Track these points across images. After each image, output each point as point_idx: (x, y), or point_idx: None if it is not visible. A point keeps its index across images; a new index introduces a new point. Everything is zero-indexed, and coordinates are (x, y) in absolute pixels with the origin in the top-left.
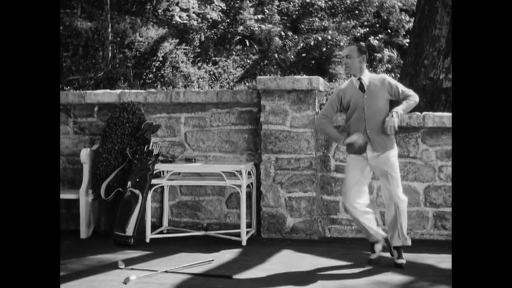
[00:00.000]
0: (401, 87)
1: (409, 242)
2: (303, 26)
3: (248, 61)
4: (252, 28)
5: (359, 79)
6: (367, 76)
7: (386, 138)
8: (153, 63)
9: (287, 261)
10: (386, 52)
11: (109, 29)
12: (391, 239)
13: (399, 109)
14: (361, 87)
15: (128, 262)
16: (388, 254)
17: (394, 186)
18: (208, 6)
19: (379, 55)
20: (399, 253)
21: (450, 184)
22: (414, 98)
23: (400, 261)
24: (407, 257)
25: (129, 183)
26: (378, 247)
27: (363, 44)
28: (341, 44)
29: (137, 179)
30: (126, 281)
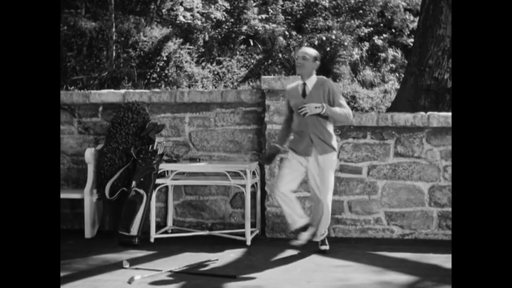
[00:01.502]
0: (340, 101)
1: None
2: (307, 25)
3: (252, 60)
4: (256, 27)
5: (304, 83)
6: (313, 81)
7: (326, 141)
8: (157, 62)
9: (291, 260)
10: (390, 51)
11: (113, 29)
12: (316, 237)
13: (329, 106)
14: (303, 92)
15: (133, 262)
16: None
17: (323, 190)
18: (212, 6)
19: (383, 54)
20: (323, 241)
21: None
22: (347, 113)
23: (324, 247)
24: (411, 257)
25: (134, 182)
26: (304, 235)
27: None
28: (345, 43)
29: (142, 179)
30: (130, 281)
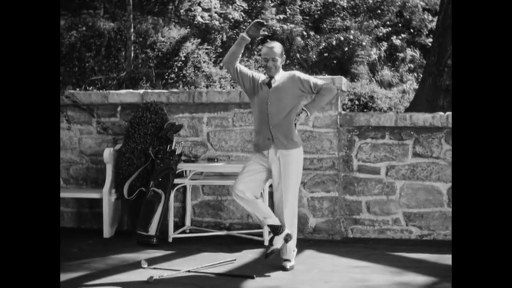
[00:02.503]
0: (313, 80)
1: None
2: (325, 25)
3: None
4: (274, 28)
5: (271, 77)
6: (280, 74)
7: (288, 137)
8: (175, 63)
9: (309, 261)
10: (409, 51)
11: (132, 29)
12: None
13: (309, 106)
14: (269, 82)
15: (151, 262)
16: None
17: (285, 190)
18: (230, 6)
19: (401, 54)
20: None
21: None
22: (327, 89)
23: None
24: (430, 258)
25: (152, 182)
26: (278, 239)
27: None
28: (363, 43)
29: (160, 179)
30: (149, 280)
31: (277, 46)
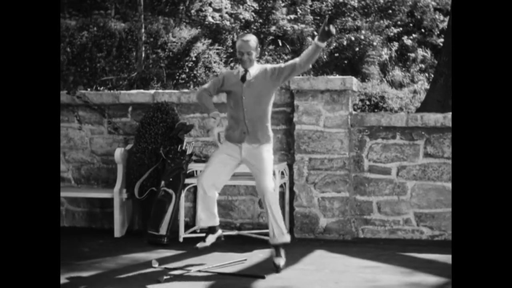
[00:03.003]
0: (283, 64)
1: (286, 239)
2: (336, 26)
3: (281, 61)
4: (284, 28)
5: (246, 70)
6: (254, 68)
7: (263, 131)
8: (186, 63)
9: (320, 261)
10: (420, 51)
11: (143, 30)
12: (271, 239)
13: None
14: (243, 76)
15: (162, 261)
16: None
17: (263, 177)
18: (241, 6)
19: (412, 55)
20: (278, 251)
21: None
22: (296, 60)
23: (278, 260)
24: (441, 259)
25: (163, 182)
26: (210, 238)
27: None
28: (374, 44)
29: (171, 179)
30: (160, 280)
31: (252, 40)
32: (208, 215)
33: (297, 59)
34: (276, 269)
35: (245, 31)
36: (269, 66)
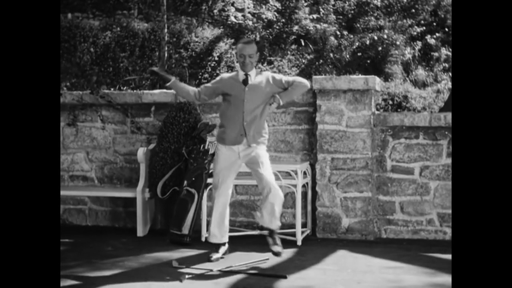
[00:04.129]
0: (285, 78)
1: (277, 224)
2: (358, 25)
3: (304, 60)
4: (307, 27)
5: (246, 74)
6: (254, 72)
7: (260, 133)
8: (209, 63)
9: (342, 261)
10: (443, 51)
11: (165, 30)
12: (263, 220)
13: (282, 95)
14: (245, 80)
15: (184, 261)
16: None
17: (267, 172)
18: (263, 6)
19: (436, 54)
20: (274, 240)
21: None
22: (300, 82)
23: (276, 248)
24: None
25: (185, 182)
26: (222, 249)
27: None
28: (397, 43)
29: (193, 178)
30: (181, 280)
31: (253, 43)
32: (221, 232)
33: (291, 81)
34: (278, 255)
35: (268, 31)
36: (272, 74)
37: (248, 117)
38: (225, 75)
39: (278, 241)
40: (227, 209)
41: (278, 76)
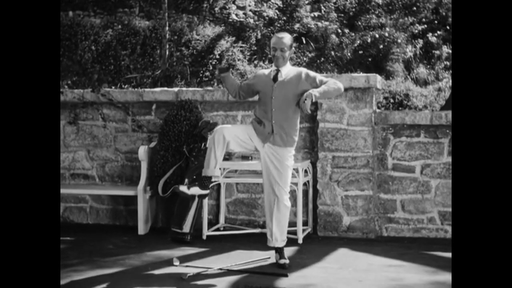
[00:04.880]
0: (320, 77)
1: (283, 240)
2: (360, 23)
3: (305, 58)
4: (308, 25)
5: (278, 69)
6: (287, 68)
7: (289, 134)
8: (210, 61)
9: (343, 259)
10: (445, 49)
11: (167, 28)
12: (272, 242)
13: (315, 91)
14: (275, 76)
15: (185, 259)
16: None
17: (280, 186)
18: (265, 4)
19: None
20: (281, 254)
21: None
22: (332, 83)
23: (283, 261)
24: None
25: (186, 180)
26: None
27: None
28: (399, 41)
29: (194, 176)
30: (183, 278)
31: (287, 37)
32: (216, 164)
33: (326, 81)
34: (285, 267)
35: (269, 29)
36: (307, 71)
37: (277, 116)
38: (261, 71)
39: (284, 254)
40: (222, 150)
41: (313, 73)
